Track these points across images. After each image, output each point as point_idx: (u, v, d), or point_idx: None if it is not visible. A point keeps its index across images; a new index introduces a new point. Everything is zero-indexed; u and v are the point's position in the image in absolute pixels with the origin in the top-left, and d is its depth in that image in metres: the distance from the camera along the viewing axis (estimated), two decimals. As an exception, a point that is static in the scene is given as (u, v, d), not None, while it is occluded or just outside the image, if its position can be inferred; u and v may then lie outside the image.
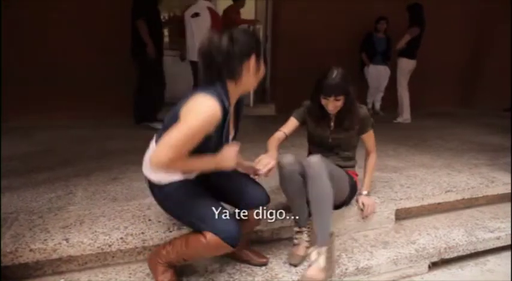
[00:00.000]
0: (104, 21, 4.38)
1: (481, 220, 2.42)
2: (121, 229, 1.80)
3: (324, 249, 1.70)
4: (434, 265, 2.08)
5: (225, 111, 1.36)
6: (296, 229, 1.92)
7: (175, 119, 1.34)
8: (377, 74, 5.37)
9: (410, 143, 3.78)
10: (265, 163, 1.65)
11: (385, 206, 2.24)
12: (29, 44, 4.24)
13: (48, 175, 2.54)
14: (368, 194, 2.16)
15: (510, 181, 2.69)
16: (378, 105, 5.60)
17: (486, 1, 6.21)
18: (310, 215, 1.95)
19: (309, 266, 1.70)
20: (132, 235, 1.76)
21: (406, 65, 4.91)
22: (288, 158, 1.82)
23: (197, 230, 1.48)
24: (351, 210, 2.15)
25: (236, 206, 1.65)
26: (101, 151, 3.18)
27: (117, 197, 2.19)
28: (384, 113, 5.46)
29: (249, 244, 1.88)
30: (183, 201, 1.50)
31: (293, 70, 5.16)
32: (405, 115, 5.08)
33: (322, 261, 1.67)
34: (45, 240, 1.68)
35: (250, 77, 1.41)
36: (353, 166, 2.14)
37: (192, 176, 1.55)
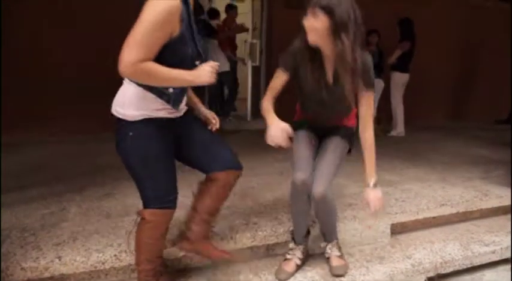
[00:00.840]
0: (98, 35, 4.39)
1: (476, 233, 2.43)
2: (115, 246, 1.78)
3: (334, 242, 1.91)
4: (430, 280, 2.07)
5: (186, 5, 1.31)
6: (291, 245, 1.91)
7: None
8: None
9: (404, 157, 3.80)
10: (275, 138, 1.50)
11: (380, 220, 2.23)
12: (19, 57, 4.20)
13: (41, 190, 2.51)
14: (375, 185, 1.72)
15: (504, 194, 2.71)
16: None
17: (478, 14, 6.39)
18: (308, 233, 1.95)
19: (328, 258, 1.89)
20: (126, 251, 1.74)
21: (399, 79, 4.98)
22: (302, 176, 1.66)
23: (136, 183, 1.48)
24: (346, 225, 2.14)
25: (205, 167, 1.63)
26: (93, 166, 3.15)
27: (110, 213, 2.17)
28: (380, 126, 5.47)
29: (208, 237, 1.78)
30: (144, 150, 1.41)
31: (289, 83, 5.19)
32: (399, 128, 5.12)
33: (336, 251, 1.90)
34: (37, 258, 1.65)
35: None
36: (349, 112, 1.83)
37: (161, 113, 1.42)
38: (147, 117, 1.40)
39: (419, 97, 6.13)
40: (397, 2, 5.89)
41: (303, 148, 1.79)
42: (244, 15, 6.09)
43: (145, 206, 1.49)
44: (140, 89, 1.38)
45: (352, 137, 1.88)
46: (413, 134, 5.18)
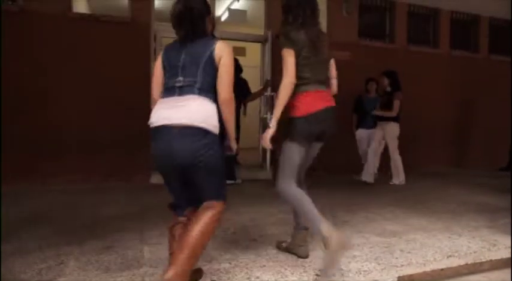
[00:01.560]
0: (102, 87, 4.54)
1: (487, 287, 2.34)
2: (112, 303, 1.72)
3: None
4: None
5: None
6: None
7: (211, 63, 1.73)
8: (367, 137, 5.48)
9: (407, 205, 3.76)
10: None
11: (386, 273, 2.16)
12: (23, 106, 4.33)
13: (39, 242, 2.46)
14: (273, 126, 2.11)
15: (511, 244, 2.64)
16: (375, 169, 5.60)
17: (476, 63, 6.76)
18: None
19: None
20: (123, 309, 1.67)
21: (396, 129, 5.05)
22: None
23: (218, 181, 1.77)
24: (351, 279, 2.07)
25: (198, 198, 1.80)
26: (94, 217, 3.11)
27: (110, 267, 2.11)
28: (380, 176, 5.45)
29: None
30: (222, 154, 1.78)
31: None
32: (401, 177, 5.10)
33: None
34: (31, 317, 1.59)
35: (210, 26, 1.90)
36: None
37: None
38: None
39: (417, 145, 6.21)
40: (391, 54, 6.21)
41: None
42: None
43: (222, 199, 1.76)
44: (215, 105, 1.74)
45: (290, 126, 2.13)
46: (414, 181, 5.17)
